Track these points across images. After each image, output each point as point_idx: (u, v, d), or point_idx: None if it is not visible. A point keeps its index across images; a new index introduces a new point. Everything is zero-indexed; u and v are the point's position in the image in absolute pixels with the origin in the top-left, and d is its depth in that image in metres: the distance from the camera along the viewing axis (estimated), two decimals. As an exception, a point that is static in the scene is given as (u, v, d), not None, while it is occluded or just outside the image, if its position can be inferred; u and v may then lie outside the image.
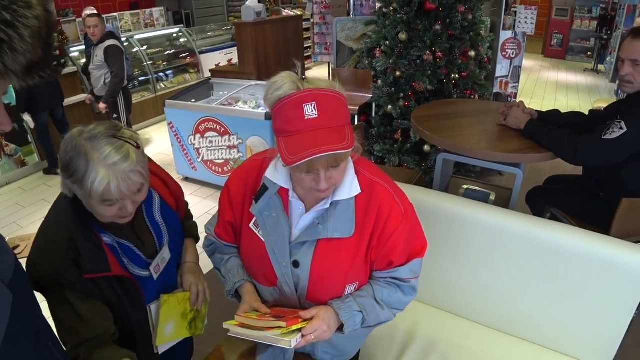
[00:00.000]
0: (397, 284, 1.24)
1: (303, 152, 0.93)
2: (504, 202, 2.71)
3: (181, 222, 1.44)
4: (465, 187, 2.92)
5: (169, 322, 1.32)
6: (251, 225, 1.22)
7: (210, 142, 4.31)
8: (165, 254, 1.32)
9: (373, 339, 1.89)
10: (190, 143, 4.45)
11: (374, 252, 1.18)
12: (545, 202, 2.58)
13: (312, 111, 0.95)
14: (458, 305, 1.97)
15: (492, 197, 2.77)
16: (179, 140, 4.52)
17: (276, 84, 0.98)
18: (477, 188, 2.89)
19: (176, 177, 4.82)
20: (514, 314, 1.84)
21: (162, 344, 1.33)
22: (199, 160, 4.48)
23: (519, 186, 2.42)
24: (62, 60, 5.72)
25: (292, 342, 1.03)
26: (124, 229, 1.22)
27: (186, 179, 4.80)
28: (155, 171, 1.34)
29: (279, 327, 1.06)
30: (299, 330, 1.09)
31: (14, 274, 0.81)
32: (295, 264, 1.17)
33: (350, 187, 1.14)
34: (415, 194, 1.94)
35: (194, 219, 1.61)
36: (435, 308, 2.02)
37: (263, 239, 1.20)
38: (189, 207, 1.59)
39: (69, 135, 1.07)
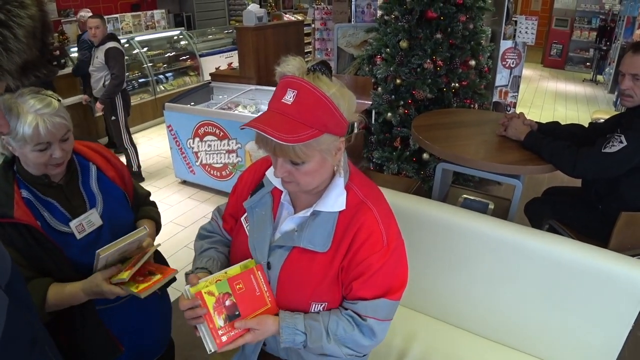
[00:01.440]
0: (355, 320, 1.13)
1: (252, 122, 0.96)
2: (502, 212, 2.71)
3: (127, 199, 1.57)
4: (464, 196, 2.92)
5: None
6: (242, 218, 1.24)
7: (209, 146, 4.30)
8: (93, 218, 1.43)
9: (369, 349, 1.88)
10: (189, 146, 4.44)
11: (344, 273, 1.12)
12: (544, 213, 2.58)
13: (290, 97, 0.97)
14: (455, 315, 1.96)
15: (491, 207, 2.77)
16: (177, 143, 4.51)
17: (285, 61, 1.01)
18: (476, 198, 2.90)
19: (174, 180, 4.84)
20: (511, 325, 1.83)
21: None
22: (197, 163, 4.47)
23: (517, 197, 2.42)
24: (62, 60, 5.71)
25: (212, 351, 1.05)
26: (52, 188, 1.38)
27: (184, 182, 4.79)
28: (96, 149, 1.55)
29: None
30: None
31: (10, 277, 0.81)
32: (269, 266, 1.17)
33: (334, 201, 1.11)
34: (415, 204, 1.94)
35: (157, 209, 1.74)
36: (432, 318, 2.01)
37: (248, 234, 1.21)
38: (150, 198, 1.76)
39: (1, 98, 1.23)
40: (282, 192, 1.18)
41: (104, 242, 1.43)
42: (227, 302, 1.10)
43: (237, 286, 1.13)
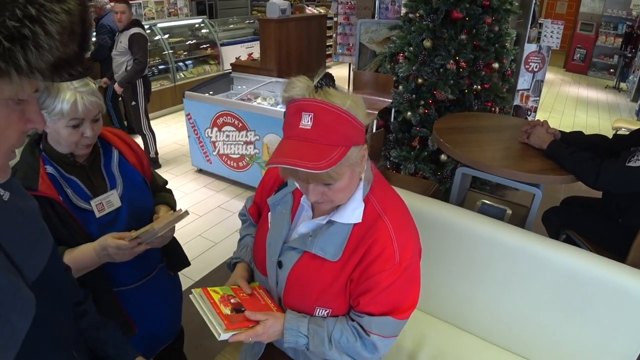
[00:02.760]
0: (359, 333, 1.14)
1: (277, 158, 0.93)
2: (519, 219, 2.70)
3: (146, 184, 1.61)
4: (482, 201, 2.90)
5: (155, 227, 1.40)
6: (269, 214, 1.25)
7: (227, 136, 4.32)
8: (113, 199, 1.48)
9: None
10: (207, 136, 4.47)
11: (353, 285, 1.12)
12: (562, 223, 2.56)
13: (308, 121, 0.93)
14: (467, 320, 1.96)
15: (509, 214, 2.75)
16: (195, 132, 4.54)
17: (290, 84, 0.97)
18: (494, 204, 2.88)
19: (190, 168, 4.87)
20: (522, 334, 1.83)
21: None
22: (214, 153, 4.50)
23: (537, 206, 2.41)
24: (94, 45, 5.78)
25: (222, 335, 1.05)
26: (75, 167, 1.44)
27: (200, 171, 4.83)
28: (119, 135, 1.60)
29: (223, 320, 1.08)
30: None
31: (42, 273, 0.79)
32: (280, 264, 1.18)
33: (351, 214, 1.10)
34: (432, 208, 1.94)
35: (173, 195, 1.80)
36: (443, 321, 2.01)
37: (269, 228, 1.24)
38: (167, 185, 1.81)
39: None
40: (302, 193, 1.18)
41: (122, 222, 1.49)
42: (232, 300, 1.15)
43: (241, 294, 1.20)
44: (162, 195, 1.72)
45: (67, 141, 1.36)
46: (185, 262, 1.83)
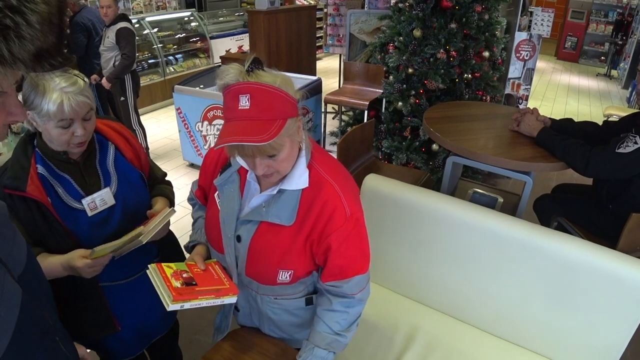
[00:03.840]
0: (346, 304, 1.31)
1: (224, 138, 1.01)
2: (511, 207, 2.70)
3: (143, 181, 1.59)
4: (474, 190, 2.91)
5: (116, 245, 1.36)
6: (215, 195, 1.32)
7: (218, 129, 4.29)
8: (106, 197, 1.46)
9: (373, 338, 1.90)
10: (197, 130, 4.44)
11: (315, 245, 1.23)
12: (553, 210, 2.57)
13: (246, 102, 1.02)
14: (460, 309, 1.97)
15: (500, 202, 2.75)
16: (186, 126, 4.51)
17: (223, 72, 1.04)
18: (485, 192, 2.88)
19: (181, 162, 4.84)
20: (515, 321, 1.84)
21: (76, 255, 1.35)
22: (205, 147, 4.47)
23: (527, 193, 2.41)
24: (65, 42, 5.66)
25: (170, 306, 1.12)
26: (69, 165, 1.42)
27: (192, 165, 4.80)
28: (117, 128, 1.56)
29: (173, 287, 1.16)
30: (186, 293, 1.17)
31: (25, 267, 0.80)
32: (238, 239, 1.27)
33: (298, 180, 1.20)
34: (424, 197, 1.93)
35: (172, 187, 1.77)
36: (436, 311, 2.02)
37: (219, 209, 1.30)
38: (166, 177, 1.79)
39: (28, 77, 1.28)
40: (247, 170, 1.26)
41: (115, 221, 1.48)
42: (185, 275, 1.24)
43: (195, 269, 1.28)
44: (160, 187, 1.70)
45: (58, 141, 1.34)
46: (181, 258, 1.81)
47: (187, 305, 1.16)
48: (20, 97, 1.25)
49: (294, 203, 1.21)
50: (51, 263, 1.33)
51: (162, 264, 1.25)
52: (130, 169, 1.55)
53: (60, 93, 1.27)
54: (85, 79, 1.36)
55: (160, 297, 1.15)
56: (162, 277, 1.19)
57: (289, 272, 1.26)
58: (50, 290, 0.93)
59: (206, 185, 1.41)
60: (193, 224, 1.52)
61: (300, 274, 1.28)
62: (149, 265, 1.25)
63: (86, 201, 1.42)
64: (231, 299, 1.25)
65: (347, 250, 1.23)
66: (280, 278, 1.26)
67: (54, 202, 1.36)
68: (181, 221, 3.72)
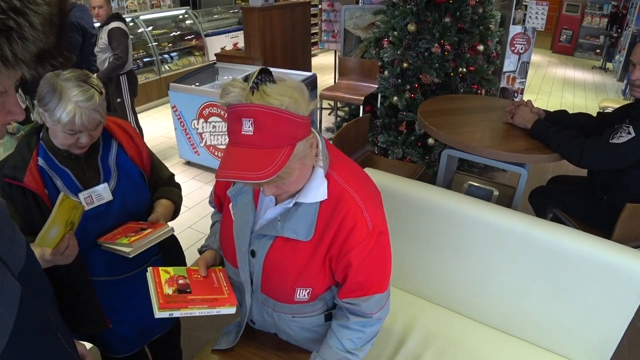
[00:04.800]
0: (363, 324, 1.22)
1: (223, 171, 0.94)
2: (506, 200, 2.71)
3: (143, 178, 1.60)
4: (469, 183, 2.91)
5: (55, 226, 1.28)
6: (230, 205, 1.26)
7: (214, 127, 4.29)
8: (104, 192, 1.47)
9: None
10: (193, 127, 4.43)
11: (334, 262, 1.15)
12: (548, 202, 2.58)
13: (249, 127, 0.93)
14: (457, 301, 1.97)
15: (496, 195, 2.76)
16: (182, 124, 4.50)
17: (225, 90, 0.96)
18: (481, 185, 2.89)
19: (178, 160, 4.84)
20: (512, 312, 1.84)
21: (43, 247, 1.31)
22: (201, 145, 4.47)
23: (522, 185, 2.42)
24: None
25: (157, 313, 1.09)
26: (70, 158, 1.44)
27: (188, 163, 4.80)
28: (122, 126, 1.58)
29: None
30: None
31: (25, 264, 0.80)
32: (253, 253, 1.20)
33: (316, 192, 1.11)
34: (419, 190, 1.94)
35: (180, 191, 1.76)
36: (433, 303, 2.03)
37: (234, 219, 1.24)
38: (174, 178, 1.78)
39: (47, 75, 1.31)
40: None
41: (111, 216, 1.49)
42: (181, 281, 1.20)
43: (195, 275, 1.25)
44: (166, 189, 1.69)
45: (62, 142, 1.37)
46: (182, 259, 1.83)
47: (177, 314, 1.12)
48: (19, 93, 1.26)
49: (311, 217, 1.12)
50: (36, 251, 1.31)
51: (161, 268, 1.23)
52: (132, 167, 1.56)
53: (75, 106, 1.28)
54: (102, 90, 1.38)
55: (152, 302, 1.13)
56: (155, 282, 1.18)
57: (307, 290, 1.19)
58: (50, 287, 0.93)
59: (221, 194, 1.35)
60: (211, 226, 1.49)
61: (320, 291, 1.21)
62: (148, 269, 1.24)
63: (83, 195, 1.43)
64: (228, 310, 1.19)
65: (369, 267, 1.15)
66: (298, 296, 1.19)
67: (50, 193, 1.38)
68: (178, 219, 3.71)
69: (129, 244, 1.36)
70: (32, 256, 0.86)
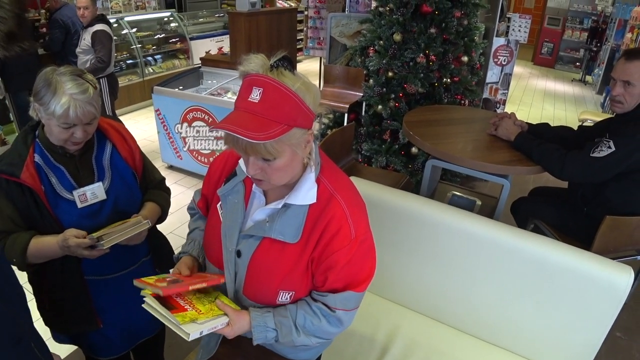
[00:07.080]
0: (324, 312, 1.19)
1: (222, 124, 0.96)
2: (489, 210, 2.74)
3: (136, 179, 1.62)
4: (453, 193, 2.94)
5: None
6: (218, 205, 1.26)
7: (198, 131, 4.26)
8: (98, 191, 1.50)
9: (353, 340, 1.90)
10: (176, 131, 4.39)
11: (314, 264, 1.16)
12: (530, 213, 2.61)
13: (257, 95, 0.97)
14: (439, 311, 1.98)
15: (478, 204, 2.79)
16: (165, 127, 4.46)
17: (248, 59, 1.01)
18: (464, 195, 2.91)
19: (160, 164, 4.78)
20: (492, 322, 1.86)
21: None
22: (184, 149, 4.43)
23: (505, 196, 2.45)
24: (47, 38, 5.56)
25: (192, 335, 1.01)
26: (65, 157, 1.46)
27: (171, 167, 4.75)
28: (117, 127, 1.61)
29: (185, 313, 1.06)
30: (202, 319, 1.08)
31: None
32: (239, 254, 1.19)
33: (306, 195, 1.12)
34: (403, 200, 1.95)
35: (169, 196, 1.76)
36: (416, 313, 2.03)
37: (222, 220, 1.23)
38: (164, 182, 1.78)
39: (43, 70, 1.34)
40: (253, 182, 1.19)
41: (104, 215, 1.51)
42: (168, 279, 1.17)
43: (178, 276, 1.21)
44: (154, 192, 1.69)
45: (57, 137, 1.39)
46: (172, 262, 1.81)
47: (152, 304, 1.08)
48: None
49: (300, 219, 1.13)
50: (49, 242, 1.38)
51: (143, 278, 1.19)
52: (124, 167, 1.58)
53: (70, 98, 1.31)
54: (97, 85, 1.40)
55: (146, 296, 1.10)
56: (146, 283, 1.12)
57: (290, 294, 1.19)
58: (24, 295, 0.91)
59: (210, 194, 1.34)
60: (188, 234, 1.44)
61: (301, 295, 1.21)
62: (134, 280, 1.17)
63: (77, 192, 1.45)
64: (219, 283, 1.20)
65: (349, 275, 1.15)
66: (280, 299, 1.19)
67: (46, 190, 1.41)
68: (160, 225, 3.67)
69: (99, 234, 1.37)
70: (5, 264, 0.84)
